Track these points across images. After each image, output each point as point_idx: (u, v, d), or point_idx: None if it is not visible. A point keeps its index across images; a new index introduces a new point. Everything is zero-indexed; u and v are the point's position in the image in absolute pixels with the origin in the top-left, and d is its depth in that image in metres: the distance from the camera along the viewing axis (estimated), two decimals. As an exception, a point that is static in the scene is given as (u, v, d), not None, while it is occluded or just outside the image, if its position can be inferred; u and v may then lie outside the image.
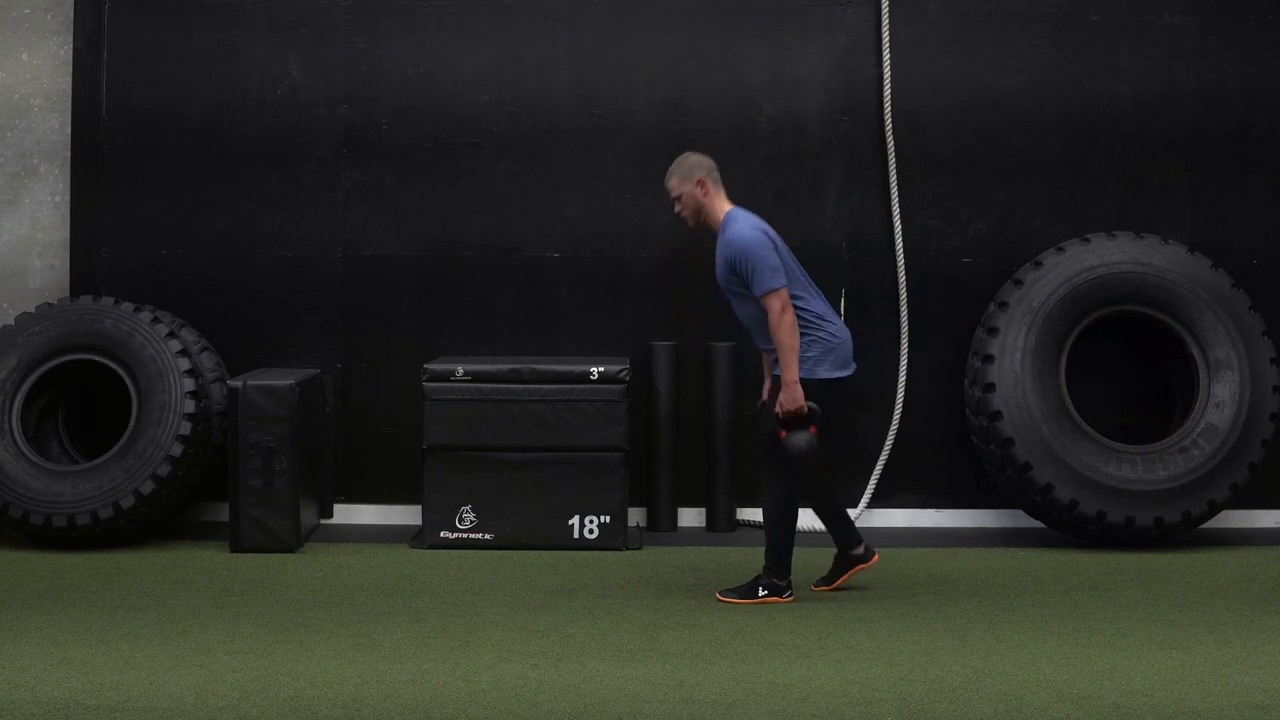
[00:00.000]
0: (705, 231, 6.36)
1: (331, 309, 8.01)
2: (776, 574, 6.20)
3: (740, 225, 6.10)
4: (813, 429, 6.05)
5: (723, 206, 6.24)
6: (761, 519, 6.22)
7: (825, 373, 6.10)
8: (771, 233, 6.14)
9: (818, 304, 6.17)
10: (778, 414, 6.06)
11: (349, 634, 5.58)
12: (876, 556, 6.40)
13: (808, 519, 7.96)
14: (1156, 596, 6.34)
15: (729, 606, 6.10)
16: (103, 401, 7.71)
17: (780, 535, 6.19)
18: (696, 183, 6.22)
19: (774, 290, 5.98)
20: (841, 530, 6.38)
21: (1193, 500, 7.35)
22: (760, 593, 6.18)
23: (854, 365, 6.26)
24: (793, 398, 5.99)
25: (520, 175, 8.00)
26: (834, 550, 6.43)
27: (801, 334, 6.05)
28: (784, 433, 6.06)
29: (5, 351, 7.35)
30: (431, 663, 5.18)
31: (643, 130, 8.01)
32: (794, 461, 6.06)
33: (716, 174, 6.28)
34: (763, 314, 6.05)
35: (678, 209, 6.31)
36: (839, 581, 6.40)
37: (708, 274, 7.97)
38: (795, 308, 6.06)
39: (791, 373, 5.97)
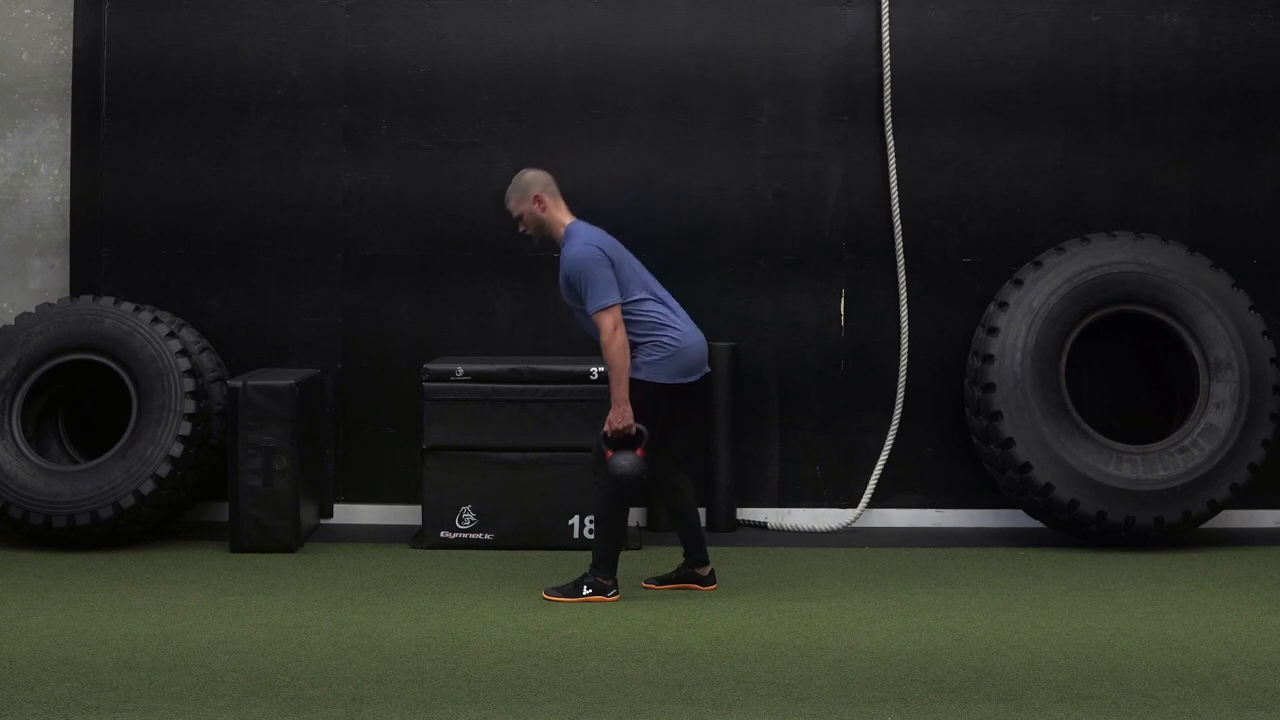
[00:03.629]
0: (552, 245, 6.31)
1: (331, 309, 8.02)
2: (602, 573, 6.18)
3: (576, 242, 6.10)
4: (639, 450, 6.04)
5: (563, 220, 6.22)
6: (593, 520, 6.25)
7: (665, 379, 6.07)
8: (609, 246, 6.12)
9: (663, 310, 6.15)
10: (606, 433, 6.05)
11: (349, 634, 5.58)
12: (715, 586, 6.41)
13: (813, 519, 7.97)
14: (1156, 596, 6.34)
15: (728, 606, 6.10)
16: (103, 401, 7.71)
17: (609, 535, 6.18)
18: (534, 200, 6.20)
19: (606, 308, 5.99)
20: (693, 544, 6.41)
21: (1193, 500, 7.35)
22: (585, 591, 6.16)
23: (705, 369, 6.20)
24: (621, 416, 5.99)
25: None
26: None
27: (645, 338, 6.06)
28: (610, 453, 6.05)
29: (5, 351, 7.35)
30: (431, 663, 5.18)
31: (643, 130, 8.01)
32: (617, 482, 6.06)
33: (554, 188, 6.26)
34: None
35: (521, 228, 6.29)
36: (670, 586, 6.42)
37: (707, 275, 8.01)
38: (637, 313, 6.06)
39: (620, 391, 5.98)
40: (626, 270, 6.12)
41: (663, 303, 6.19)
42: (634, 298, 6.09)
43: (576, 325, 6.30)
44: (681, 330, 6.14)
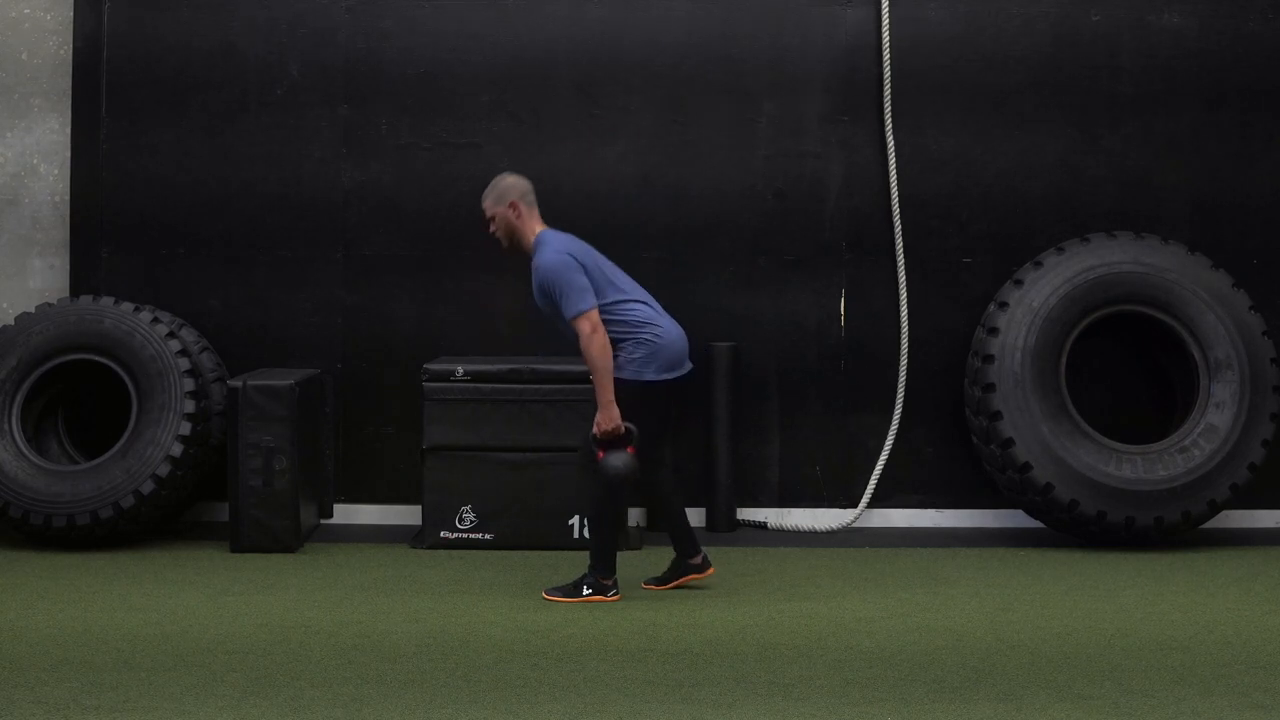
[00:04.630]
0: (521, 255, 6.30)
1: (331, 309, 8.02)
2: (601, 573, 6.20)
3: (547, 250, 6.12)
4: (630, 449, 6.06)
5: (535, 229, 6.25)
6: (587, 521, 6.26)
7: (651, 375, 6.11)
8: (579, 252, 6.15)
9: (642, 307, 6.18)
10: (595, 435, 6.07)
11: (349, 634, 5.58)
12: (712, 569, 6.41)
13: (813, 519, 7.97)
14: (1156, 596, 6.34)
15: (728, 606, 6.10)
16: (103, 401, 7.70)
17: (603, 535, 6.21)
18: (509, 205, 6.23)
19: (582, 313, 6.01)
20: (682, 538, 6.42)
21: (1193, 500, 7.35)
22: (585, 591, 6.18)
23: (687, 366, 6.26)
24: (609, 418, 6.01)
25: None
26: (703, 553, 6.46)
27: (627, 337, 6.09)
28: (601, 454, 6.07)
29: (5, 351, 7.35)
30: (432, 662, 5.18)
31: (643, 130, 8.01)
32: (611, 482, 6.09)
33: (531, 197, 6.28)
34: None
35: (491, 229, 6.31)
36: (670, 585, 6.42)
37: (707, 274, 8.01)
38: (617, 313, 6.09)
39: (605, 394, 5.99)
40: (599, 274, 6.15)
41: (641, 301, 6.22)
42: (610, 299, 6.12)
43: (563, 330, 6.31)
44: (662, 326, 6.17)
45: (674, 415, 6.44)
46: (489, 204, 6.29)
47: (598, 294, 6.08)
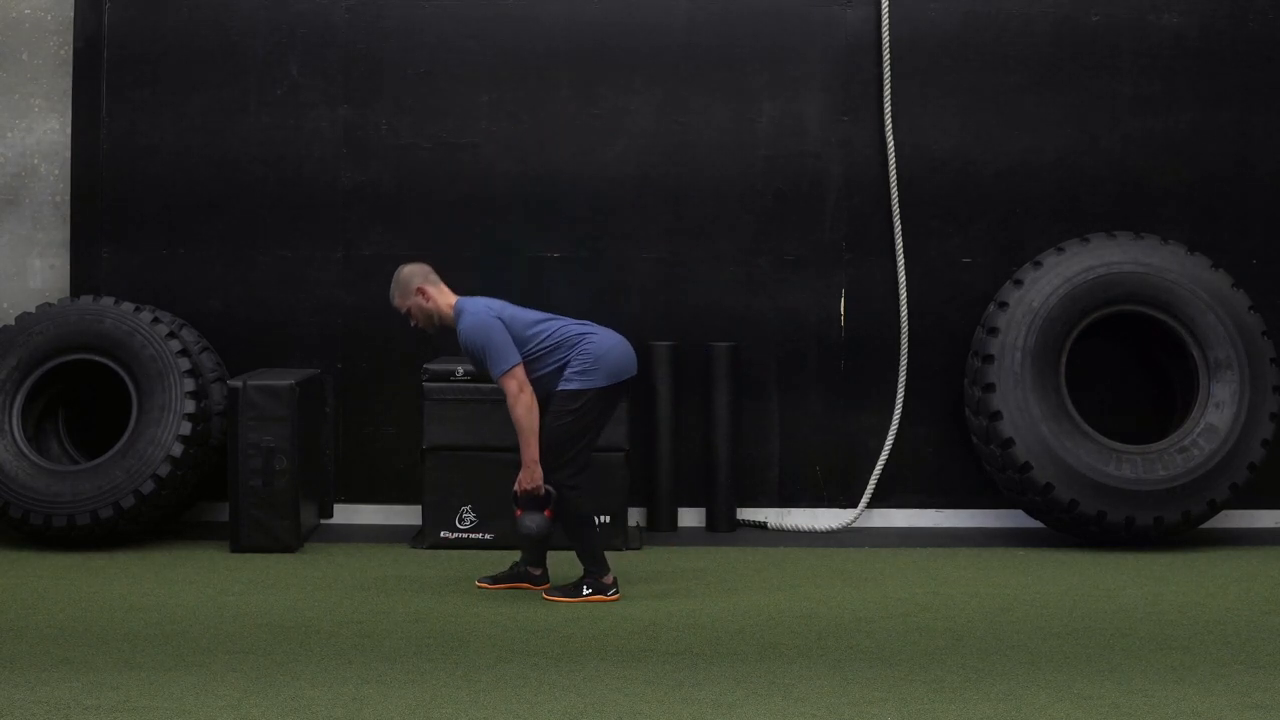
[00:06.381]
0: (448, 334, 6.31)
1: (331, 309, 8.02)
2: (599, 572, 6.22)
3: (466, 316, 6.15)
4: (547, 512, 6.10)
5: (448, 302, 6.26)
6: (566, 532, 6.25)
7: (602, 381, 6.15)
8: (496, 308, 6.17)
9: (573, 325, 6.21)
10: (515, 492, 6.12)
11: (349, 634, 5.58)
12: (548, 586, 6.37)
13: (813, 519, 7.97)
14: (1156, 597, 6.34)
15: (728, 607, 6.10)
16: (103, 401, 7.70)
17: (585, 539, 6.24)
18: (417, 292, 6.25)
19: (507, 371, 6.04)
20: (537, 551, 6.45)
21: (1193, 500, 7.35)
22: (585, 591, 6.20)
23: (632, 370, 6.28)
24: (531, 477, 6.05)
25: (520, 175, 8.00)
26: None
27: (568, 353, 6.12)
28: (519, 511, 6.12)
29: (5, 351, 7.35)
30: (431, 662, 5.18)
31: (642, 130, 8.01)
32: (523, 539, 6.18)
33: (433, 275, 6.30)
34: None
35: (412, 323, 6.35)
36: (504, 585, 6.41)
37: (707, 274, 8.01)
38: (548, 343, 6.12)
39: (530, 453, 6.03)
40: (519, 324, 6.16)
41: (572, 321, 6.25)
42: (536, 340, 6.14)
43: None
44: (600, 335, 6.22)
45: (609, 420, 6.42)
46: (398, 300, 6.32)
47: (521, 344, 6.10)
